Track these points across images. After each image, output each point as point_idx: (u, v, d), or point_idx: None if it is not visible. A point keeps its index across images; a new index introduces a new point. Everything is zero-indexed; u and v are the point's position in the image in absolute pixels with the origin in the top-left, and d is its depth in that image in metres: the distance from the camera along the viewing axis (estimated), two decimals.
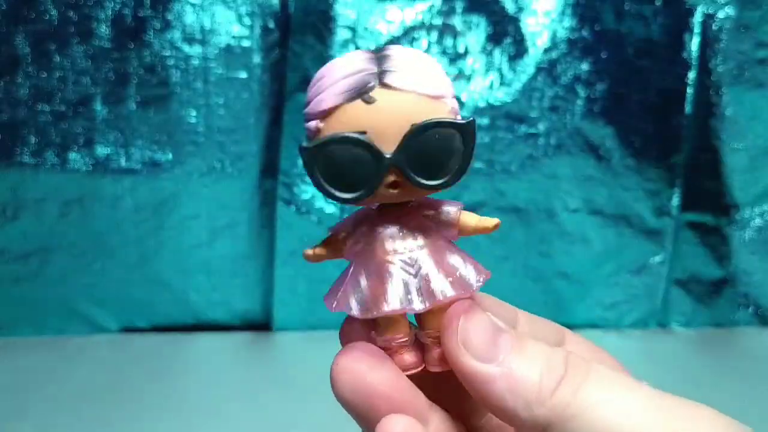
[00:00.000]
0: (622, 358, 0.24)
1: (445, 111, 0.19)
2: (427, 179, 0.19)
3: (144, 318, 0.66)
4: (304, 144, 0.19)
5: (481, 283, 0.20)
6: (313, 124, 0.19)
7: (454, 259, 0.20)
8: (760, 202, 0.69)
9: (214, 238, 0.65)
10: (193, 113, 0.62)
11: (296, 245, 0.65)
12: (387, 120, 0.18)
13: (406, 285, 0.20)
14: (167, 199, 0.63)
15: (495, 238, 0.65)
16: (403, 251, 0.20)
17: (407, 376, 0.20)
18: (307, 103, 0.20)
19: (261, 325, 0.68)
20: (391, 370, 0.20)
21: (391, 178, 0.19)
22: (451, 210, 0.21)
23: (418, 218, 0.21)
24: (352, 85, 0.18)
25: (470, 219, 0.21)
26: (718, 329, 0.71)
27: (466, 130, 0.19)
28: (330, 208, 0.65)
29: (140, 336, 0.65)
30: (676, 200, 0.68)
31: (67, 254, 0.63)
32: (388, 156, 0.19)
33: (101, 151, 0.61)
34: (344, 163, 0.19)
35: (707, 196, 0.69)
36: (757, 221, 0.69)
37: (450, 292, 0.20)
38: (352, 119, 0.18)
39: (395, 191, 0.19)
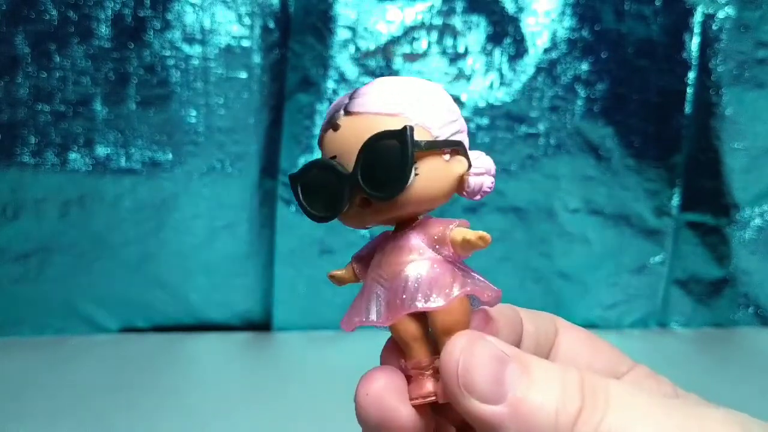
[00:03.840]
0: None
1: (400, 126, 0.19)
2: (379, 192, 0.19)
3: (144, 318, 0.66)
4: (290, 173, 0.21)
5: (454, 298, 0.19)
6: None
7: (436, 273, 0.20)
8: (760, 202, 0.69)
9: (214, 238, 0.65)
10: (193, 113, 0.62)
11: (296, 245, 0.65)
12: (349, 143, 0.20)
13: (376, 297, 0.20)
14: (167, 199, 0.63)
15: (495, 238, 0.65)
16: (388, 266, 0.20)
17: (424, 404, 0.20)
18: None
19: (261, 325, 0.68)
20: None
21: (361, 195, 0.20)
22: (447, 228, 0.20)
23: (416, 237, 0.20)
24: (327, 117, 0.21)
25: (457, 235, 0.20)
26: (718, 329, 0.71)
27: (400, 138, 0.19)
28: None
29: (140, 336, 0.65)
30: (676, 200, 0.68)
31: (67, 254, 0.63)
32: (346, 174, 0.20)
33: (101, 151, 0.61)
34: (317, 185, 0.20)
35: (707, 196, 0.69)
36: (757, 221, 0.69)
37: (418, 303, 0.19)
38: (327, 147, 0.21)
39: (368, 210, 0.20)
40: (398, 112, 0.20)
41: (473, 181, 0.20)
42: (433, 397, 0.20)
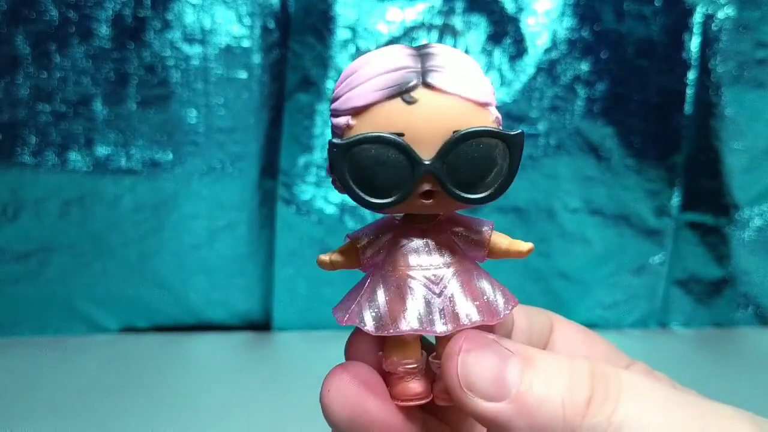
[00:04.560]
0: None
1: (490, 120, 0.18)
2: (466, 192, 0.18)
3: (144, 318, 0.66)
4: (335, 140, 0.17)
5: (509, 312, 0.19)
6: (343, 120, 0.18)
7: (483, 283, 0.19)
8: (760, 202, 0.69)
9: (213, 238, 0.65)
10: (193, 113, 0.62)
11: (296, 245, 0.65)
12: (427, 123, 0.17)
13: (428, 304, 0.18)
14: (167, 199, 0.63)
15: None
16: (428, 267, 0.19)
17: (412, 406, 0.19)
18: (336, 98, 0.18)
19: (261, 325, 0.68)
20: (385, 398, 0.19)
21: (426, 186, 0.18)
22: (482, 229, 0.20)
23: (446, 234, 0.19)
24: (393, 81, 0.17)
25: (502, 241, 0.20)
26: (718, 329, 0.71)
27: (514, 143, 0.18)
28: (330, 208, 0.65)
29: (140, 336, 0.65)
30: (676, 200, 0.68)
31: (67, 254, 0.63)
32: (425, 162, 0.17)
33: (101, 151, 0.61)
34: (377, 166, 0.17)
35: (707, 196, 0.69)
36: (757, 221, 0.69)
37: (476, 317, 0.18)
38: (390, 119, 0.17)
39: (428, 202, 0.18)
40: (487, 101, 0.18)
41: None
42: (422, 400, 0.19)
